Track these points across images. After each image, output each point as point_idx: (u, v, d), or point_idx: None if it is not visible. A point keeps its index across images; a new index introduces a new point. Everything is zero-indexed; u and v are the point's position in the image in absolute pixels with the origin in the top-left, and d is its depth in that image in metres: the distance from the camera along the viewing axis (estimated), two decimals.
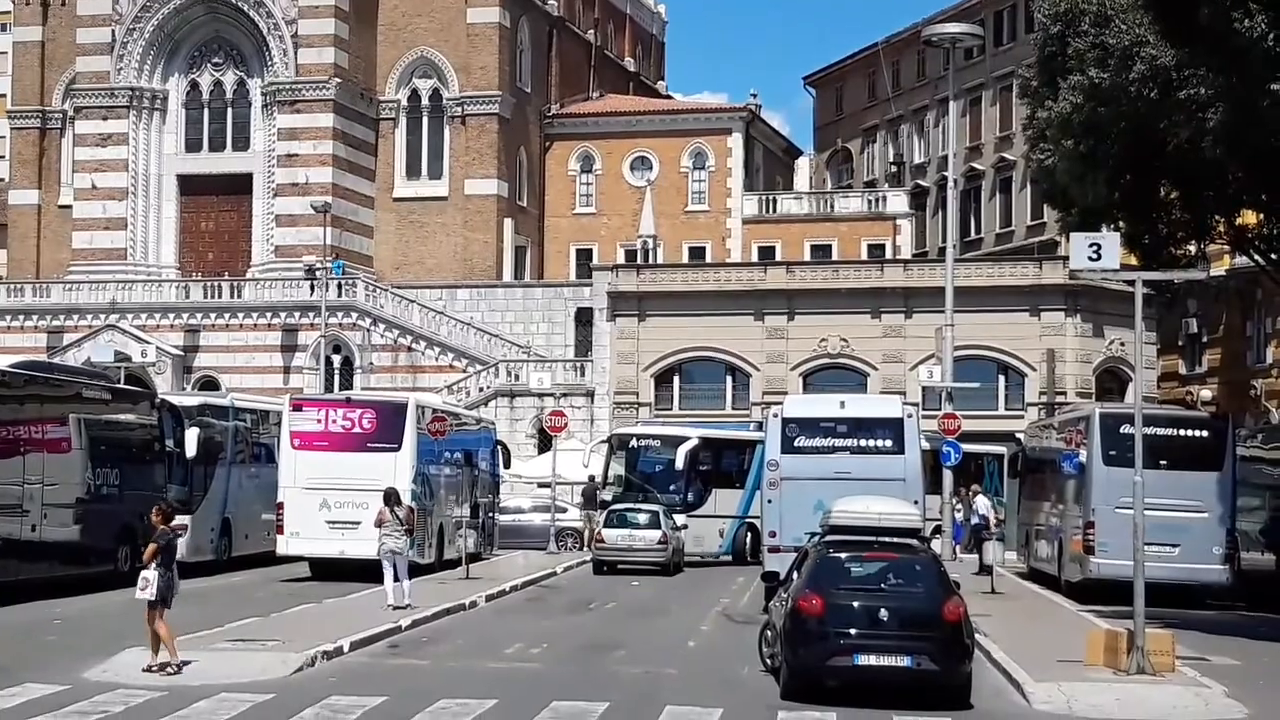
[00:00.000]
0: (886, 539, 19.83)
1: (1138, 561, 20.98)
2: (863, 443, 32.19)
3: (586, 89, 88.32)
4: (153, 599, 19.05)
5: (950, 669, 18.09)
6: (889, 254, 73.77)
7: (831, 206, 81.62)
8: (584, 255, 78.81)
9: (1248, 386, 56.86)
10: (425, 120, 78.85)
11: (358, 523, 32.43)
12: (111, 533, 30.92)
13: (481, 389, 66.61)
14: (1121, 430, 30.21)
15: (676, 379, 64.67)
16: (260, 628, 23.39)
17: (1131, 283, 22.84)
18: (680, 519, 42.26)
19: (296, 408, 36.64)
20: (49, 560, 29.24)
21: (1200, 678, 20.01)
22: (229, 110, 77.79)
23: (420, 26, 78.08)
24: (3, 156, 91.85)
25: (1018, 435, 47.65)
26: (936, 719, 16.87)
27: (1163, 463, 29.59)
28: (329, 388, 64.09)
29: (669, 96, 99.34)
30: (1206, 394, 58.73)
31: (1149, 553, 21.65)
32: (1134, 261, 33.16)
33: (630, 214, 78.91)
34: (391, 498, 28.03)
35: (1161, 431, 31.45)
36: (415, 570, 29.17)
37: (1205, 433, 33.82)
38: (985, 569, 33.91)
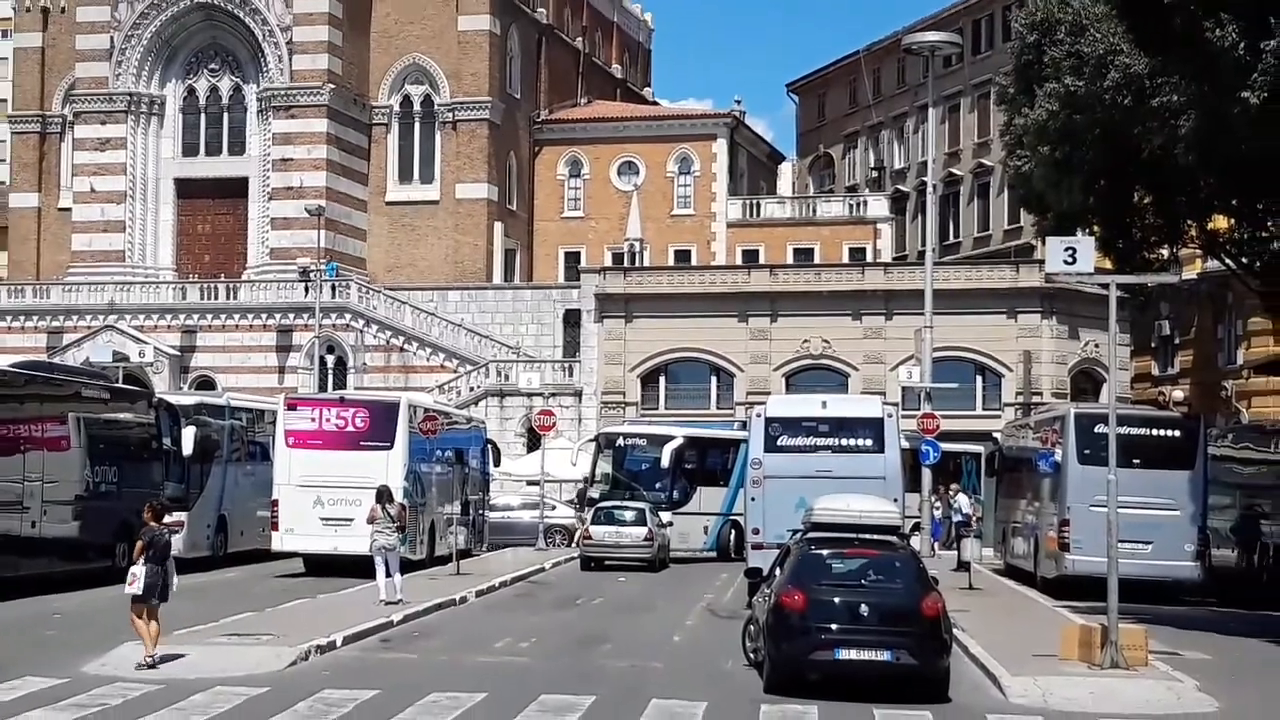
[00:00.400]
0: (867, 536, 19.84)
1: (1111, 558, 21.01)
2: (844, 442, 32.24)
3: (575, 95, 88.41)
4: (138, 594, 19.05)
5: (929, 663, 18.10)
6: (869, 257, 73.88)
7: (814, 211, 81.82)
8: (572, 258, 78.84)
9: (1219, 388, 56.95)
10: (417, 125, 78.89)
11: (351, 520, 32.38)
12: (110, 529, 30.83)
13: (472, 389, 66.64)
14: (1096, 430, 30.21)
15: (662, 379, 64.70)
16: (255, 622, 23.36)
17: (1106, 286, 22.86)
18: (666, 516, 42.26)
19: (291, 407, 36.64)
20: (48, 556, 29.21)
21: (1172, 672, 20.03)
22: (225, 115, 77.79)
23: (412, 34, 78.12)
24: (3, 160, 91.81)
25: (995, 435, 47.69)
26: (916, 712, 16.87)
27: (1136, 462, 29.62)
28: (323, 387, 64.12)
29: (655, 103, 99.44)
30: (1178, 395, 58.82)
31: (1122, 550, 21.67)
32: (1108, 265, 33.22)
33: (617, 218, 78.92)
34: (384, 495, 28.01)
35: (1135, 431, 31.50)
36: (407, 566, 29.16)
37: (1177, 433, 33.85)
38: (963, 565, 33.96)
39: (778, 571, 20.01)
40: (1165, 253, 37.16)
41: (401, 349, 70.19)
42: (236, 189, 77.03)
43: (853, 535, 19.86)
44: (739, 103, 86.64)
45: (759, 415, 33.93)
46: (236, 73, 77.47)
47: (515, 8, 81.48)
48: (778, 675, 18.37)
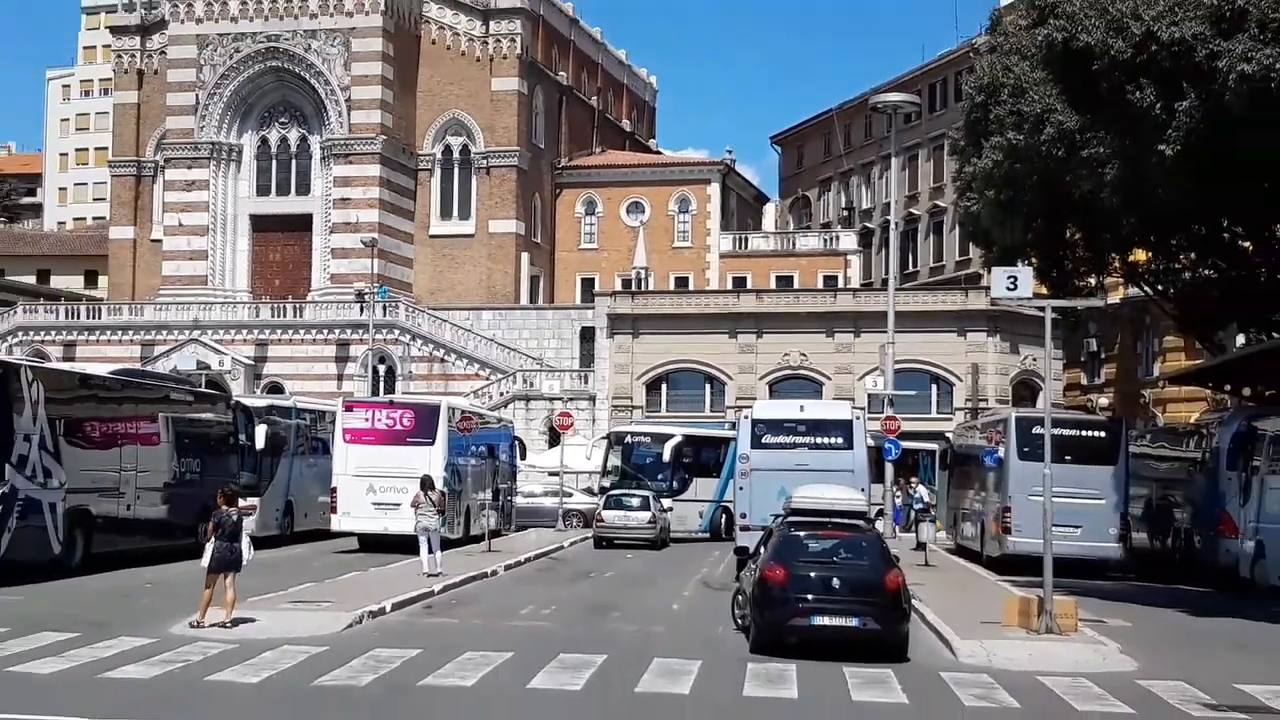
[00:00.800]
0: (838, 520, 19.83)
1: (1047, 540, 20.99)
2: (818, 440, 32.18)
3: (590, 145, 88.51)
4: (206, 566, 19.16)
5: (891, 629, 18.08)
6: (841, 284, 73.79)
7: (793, 244, 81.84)
8: (588, 283, 78.81)
9: (1138, 396, 56.93)
10: (456, 170, 78.98)
11: (398, 504, 32.35)
12: (193, 512, 30.77)
13: (502, 394, 66.68)
14: (1033, 431, 30.20)
15: (664, 386, 64.82)
16: (316, 592, 23.38)
17: (1042, 309, 22.86)
18: (667, 503, 42.27)
19: (348, 408, 36.69)
20: (141, 534, 29.24)
21: (1098, 637, 20.00)
22: (293, 161, 77.97)
23: (453, 93, 78.25)
24: (104, 199, 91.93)
25: (947, 435, 47.64)
26: (880, 670, 16.83)
27: (1068, 458, 29.52)
28: (375, 392, 64.11)
29: (659, 152, 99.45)
30: (1104, 401, 58.79)
31: (1056, 533, 21.63)
32: (1044, 291, 33.16)
33: (626, 249, 79.21)
34: (427, 483, 28.03)
35: (1067, 433, 31.46)
36: (446, 544, 29.12)
37: (1103, 434, 33.83)
38: (920, 546, 33.90)
39: (762, 550, 20.03)
40: (1093, 281, 37.18)
41: (442, 360, 70.28)
42: (302, 224, 77.20)
43: (826, 519, 19.85)
44: (730, 152, 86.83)
45: (746, 417, 33.88)
46: (303, 125, 77.65)
47: (540, 71, 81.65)
48: (762, 638, 18.36)
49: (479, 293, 76.26)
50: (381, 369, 69.64)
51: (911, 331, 53.79)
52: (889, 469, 38.53)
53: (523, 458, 49.61)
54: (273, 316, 73.28)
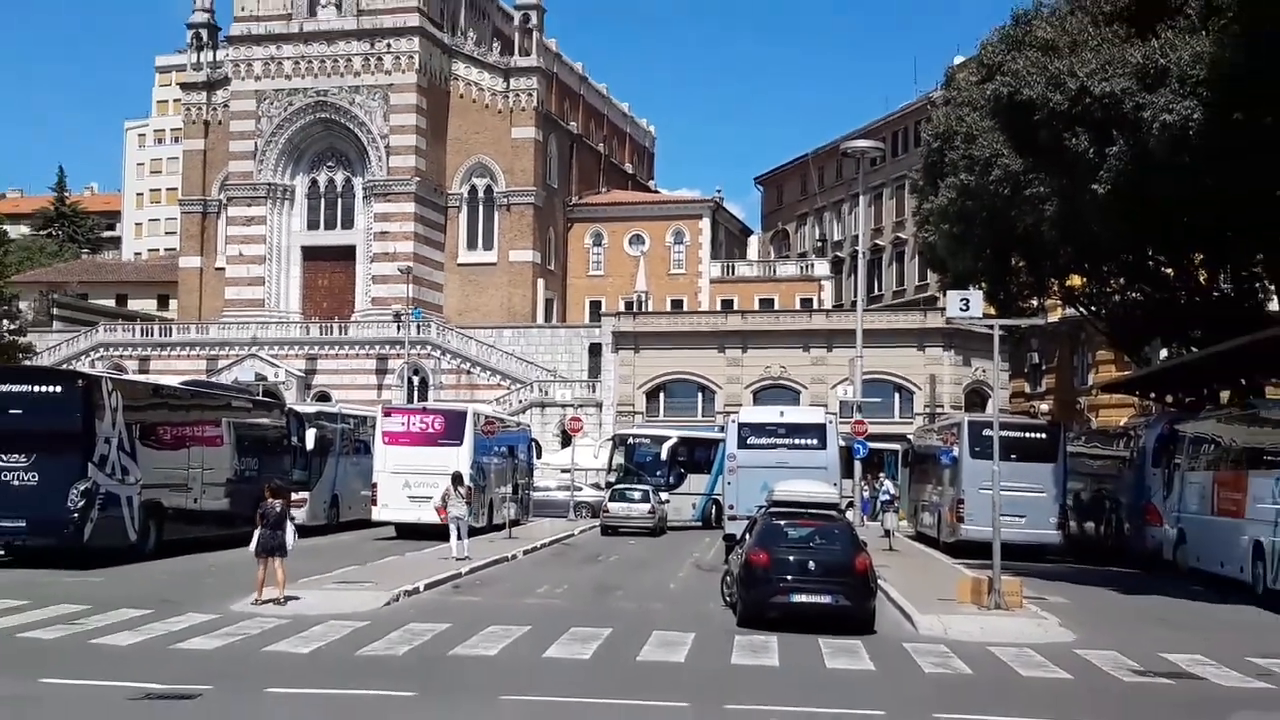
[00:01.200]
0: (813, 510, 19.78)
1: (995, 528, 20.97)
2: (796, 441, 32.14)
3: (597, 185, 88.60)
4: (254, 550, 19.19)
5: (860, 605, 18.05)
6: (815, 305, 73.90)
7: (774, 271, 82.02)
8: (595, 305, 78.85)
9: (1075, 402, 56.92)
10: (481, 207, 79.05)
11: (431, 498, 32.28)
12: (251, 504, 30.14)
13: (520, 401, 66.69)
14: (983, 433, 30.14)
15: (662, 394, 64.78)
16: (359, 573, 23.35)
17: (991, 327, 22.87)
18: (664, 496, 42.23)
19: (387, 414, 36.63)
20: (206, 524, 29.17)
21: (1040, 612, 19.97)
22: (339, 200, 78.05)
23: (478, 140, 78.34)
24: (174, 233, 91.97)
25: (908, 436, 47.62)
26: (850, 641, 16.81)
27: (1013, 456, 29.47)
28: (410, 399, 64.18)
29: (657, 191, 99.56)
30: (1045, 407, 58.78)
31: (1003, 521, 21.61)
32: (993, 311, 33.18)
33: (628, 276, 79.23)
34: (457, 479, 28.06)
35: (1012, 434, 31.38)
36: (471, 532, 29.00)
37: (1043, 435, 33.80)
38: (886, 533, 33.86)
39: (747, 537, 19.98)
40: (1035, 302, 37.13)
41: (468, 372, 70.26)
42: (346, 254, 77.23)
43: (803, 510, 19.80)
44: (719, 191, 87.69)
45: (734, 421, 33.89)
46: (347, 168, 77.71)
47: (553, 122, 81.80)
48: (747, 613, 18.33)
49: (500, 314, 76.26)
50: (416, 380, 69.65)
51: (877, 347, 53.74)
52: (858, 466, 38.52)
53: (538, 456, 49.56)
54: (321, 334, 73.36)
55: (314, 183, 78.17)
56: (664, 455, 44.90)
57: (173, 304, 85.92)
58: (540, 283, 78.46)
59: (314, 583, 21.40)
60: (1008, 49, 29.56)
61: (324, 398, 66.86)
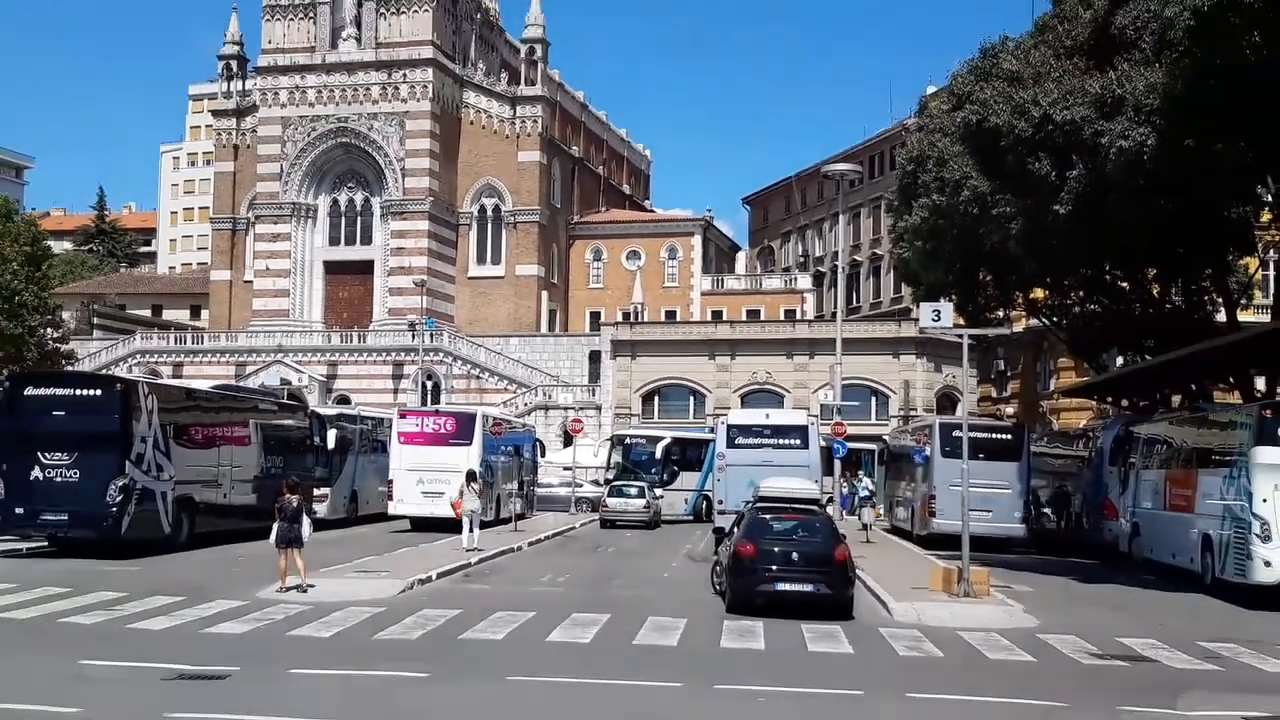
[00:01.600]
0: (796, 506, 19.77)
1: (964, 521, 20.95)
2: (780, 442, 32.14)
3: (597, 205, 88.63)
4: (273, 542, 19.17)
5: (839, 593, 18.04)
6: (798, 316, 73.87)
7: (760, 284, 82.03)
8: (595, 316, 78.90)
9: (1038, 406, 56.88)
10: (489, 225, 79.04)
11: (442, 493, 32.28)
12: (276, 500, 30.75)
13: (526, 404, 66.64)
14: (953, 434, 30.18)
15: (657, 398, 64.78)
16: (376, 563, 23.33)
17: (960, 336, 22.88)
18: (659, 492, 42.16)
19: (402, 416, 36.62)
20: (234, 518, 29.10)
21: (1006, 600, 19.96)
22: (358, 218, 78.02)
23: (487, 163, 78.36)
24: (206, 248, 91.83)
25: (884, 437, 47.62)
26: (830, 626, 16.81)
27: (981, 455, 29.39)
28: (424, 402, 64.06)
29: (652, 210, 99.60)
30: (1010, 410, 58.74)
31: (972, 516, 21.58)
32: (962, 321, 33.22)
33: (626, 288, 79.28)
34: (471, 476, 28.17)
35: (980, 435, 31.25)
36: (482, 525, 29.00)
37: (1009, 436, 33.75)
38: (864, 527, 33.85)
39: (735, 530, 19.98)
40: (1001, 313, 37.24)
41: (478, 377, 70.23)
42: (365, 268, 77.16)
43: (787, 505, 19.79)
44: (709, 211, 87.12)
45: (723, 423, 33.88)
46: (366, 189, 77.69)
47: (557, 146, 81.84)
48: (735, 601, 18.30)
49: (507, 323, 76.24)
50: (429, 384, 69.56)
51: (856, 354, 53.70)
52: (837, 465, 38.42)
53: (542, 455, 49.45)
54: (341, 342, 73.27)
55: (335, 202, 78.12)
56: (659, 454, 44.87)
57: (204, 314, 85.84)
58: (544, 295, 78.46)
59: (335, 571, 21.38)
60: (976, 79, 29.63)
61: (344, 401, 66.85)
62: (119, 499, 24.08)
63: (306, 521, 19.48)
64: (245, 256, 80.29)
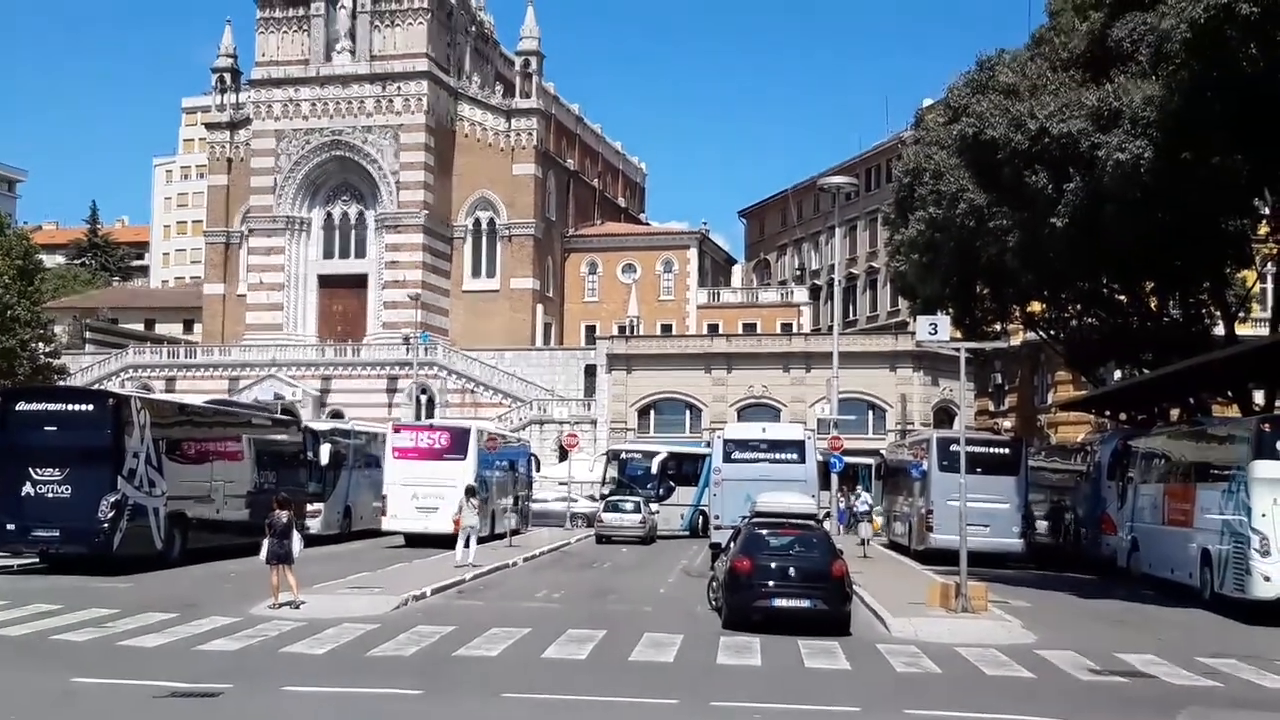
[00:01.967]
0: (793, 521, 19.74)
1: (962, 536, 20.98)
2: (777, 456, 32.16)
3: (592, 218, 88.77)
4: (264, 559, 19.18)
5: (837, 609, 18.00)
6: (795, 329, 73.90)
7: (756, 298, 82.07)
8: (590, 329, 78.87)
9: (1035, 419, 56.97)
10: (484, 238, 79.11)
11: (436, 509, 32.29)
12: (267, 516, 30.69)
13: (521, 418, 66.59)
14: (951, 448, 30.16)
15: (652, 412, 64.76)
16: (369, 579, 23.27)
17: (957, 349, 22.92)
18: (655, 507, 42.14)
19: (396, 430, 36.54)
20: (227, 533, 29.02)
21: (1004, 615, 19.93)
22: (352, 231, 78.07)
23: (481, 176, 78.46)
24: (199, 262, 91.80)
25: (881, 451, 47.63)
26: (827, 642, 16.77)
27: (978, 470, 29.47)
28: (418, 417, 63.97)
29: (647, 223, 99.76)
30: (1007, 424, 58.81)
31: (969, 531, 21.62)
32: (959, 335, 33.26)
33: (621, 302, 79.28)
34: (470, 491, 28.25)
35: (977, 449, 31.38)
36: (479, 540, 28.96)
37: (1006, 450, 33.77)
38: (861, 542, 33.83)
39: (732, 545, 19.93)
40: (998, 327, 37.26)
41: (472, 391, 70.17)
42: (359, 281, 77.17)
43: (783, 520, 19.75)
44: (705, 223, 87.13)
45: (719, 437, 33.95)
46: (360, 202, 77.75)
47: (551, 159, 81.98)
48: (732, 617, 18.27)
49: (502, 337, 76.19)
50: (423, 398, 69.45)
51: (852, 368, 53.74)
52: (834, 479, 38.50)
53: (537, 470, 49.37)
54: (335, 356, 73.21)
55: (329, 215, 78.17)
56: (654, 469, 44.86)
57: (197, 328, 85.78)
58: (539, 308, 78.47)
59: (328, 588, 21.32)
60: (973, 92, 29.71)
61: (338, 415, 66.65)
62: (111, 515, 24.03)
63: (297, 538, 19.45)
64: (239, 270, 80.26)
